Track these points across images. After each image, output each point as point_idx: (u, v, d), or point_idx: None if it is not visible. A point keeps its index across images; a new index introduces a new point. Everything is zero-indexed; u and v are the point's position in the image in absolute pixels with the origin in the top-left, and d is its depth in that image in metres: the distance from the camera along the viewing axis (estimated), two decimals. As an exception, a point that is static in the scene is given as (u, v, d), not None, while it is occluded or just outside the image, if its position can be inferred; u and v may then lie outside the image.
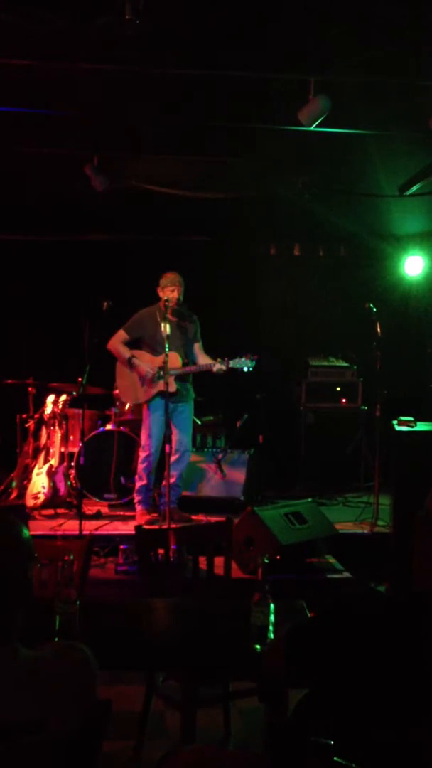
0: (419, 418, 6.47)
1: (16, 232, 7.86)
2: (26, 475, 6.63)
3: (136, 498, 6.28)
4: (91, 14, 3.85)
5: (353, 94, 4.90)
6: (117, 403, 6.87)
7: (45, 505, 6.41)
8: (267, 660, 2.16)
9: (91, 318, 5.79)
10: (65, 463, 6.69)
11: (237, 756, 2.19)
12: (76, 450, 6.75)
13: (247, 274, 8.31)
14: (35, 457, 6.69)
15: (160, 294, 6.07)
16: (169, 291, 6.02)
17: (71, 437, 6.93)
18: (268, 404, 7.56)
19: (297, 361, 7.95)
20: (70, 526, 5.89)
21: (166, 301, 5.97)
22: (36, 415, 6.81)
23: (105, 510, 6.56)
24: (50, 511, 6.41)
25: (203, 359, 6.18)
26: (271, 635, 2.42)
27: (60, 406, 6.69)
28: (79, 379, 6.00)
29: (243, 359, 5.88)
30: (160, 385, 5.98)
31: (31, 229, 7.87)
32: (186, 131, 5.62)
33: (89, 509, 6.34)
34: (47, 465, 6.54)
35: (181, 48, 4.42)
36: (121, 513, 6.50)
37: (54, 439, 6.68)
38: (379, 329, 6.35)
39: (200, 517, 6.19)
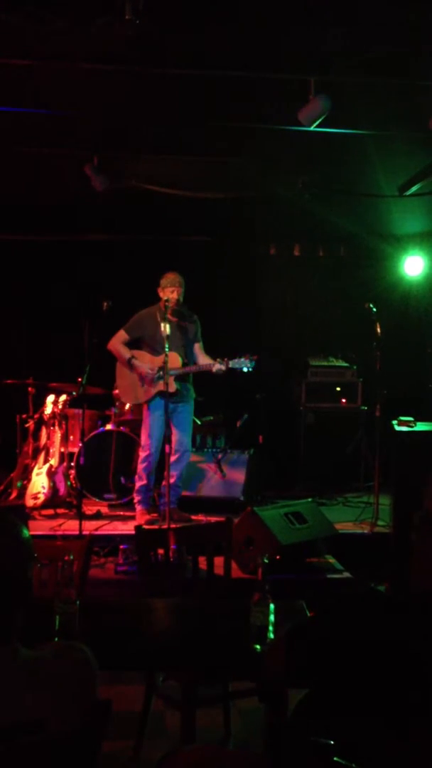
0: (419, 418, 6.47)
1: (16, 232, 7.86)
2: (26, 475, 6.63)
3: (136, 498, 6.28)
4: (91, 14, 3.85)
5: (353, 94, 4.90)
6: (117, 403, 6.87)
7: (45, 505, 6.41)
8: (267, 660, 2.16)
9: (91, 318, 5.79)
10: (65, 463, 6.69)
11: (237, 756, 2.19)
12: (75, 450, 6.75)
13: (247, 274, 8.31)
14: (35, 457, 6.69)
15: (161, 294, 6.07)
16: (169, 291, 6.02)
17: (71, 437, 6.93)
18: (268, 404, 7.56)
19: (297, 361, 7.95)
20: (70, 526, 5.89)
21: (166, 301, 5.97)
22: (36, 415, 6.81)
23: (105, 510, 6.56)
24: (50, 511, 6.41)
25: (203, 359, 6.18)
26: (271, 635, 2.42)
27: (60, 406, 6.69)
28: (79, 379, 6.00)
29: (242, 359, 5.89)
30: (160, 385, 5.97)
31: (31, 229, 7.88)
32: (186, 131, 5.62)
33: (89, 509, 6.34)
34: (47, 465, 6.54)
35: (181, 48, 4.42)
36: (121, 513, 6.50)
37: (54, 439, 6.68)
38: (378, 329, 6.35)
39: (200, 517, 6.19)
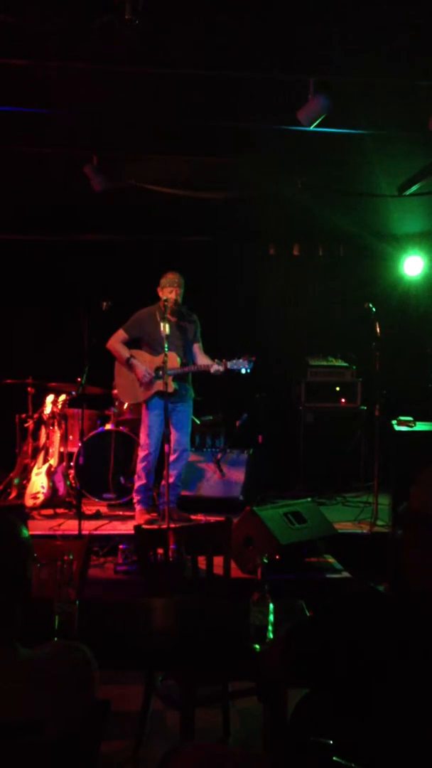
0: (418, 418, 6.48)
1: (16, 232, 7.86)
2: (25, 475, 6.63)
3: (136, 498, 6.28)
4: (91, 14, 3.85)
5: (353, 94, 4.90)
6: (116, 403, 6.87)
7: (44, 504, 6.41)
8: (266, 659, 2.16)
9: (91, 318, 5.79)
10: (64, 463, 6.69)
11: (239, 753, 2.19)
12: (75, 450, 6.76)
13: (247, 274, 8.32)
14: (34, 456, 6.69)
15: (160, 294, 6.07)
16: (168, 291, 6.02)
17: (70, 437, 6.93)
18: (267, 404, 7.57)
19: (296, 361, 7.95)
20: (70, 526, 5.90)
21: (165, 301, 5.97)
22: (35, 415, 6.81)
23: (104, 510, 6.56)
24: (49, 511, 6.41)
25: (202, 360, 6.18)
26: (271, 635, 2.42)
27: (59, 406, 6.69)
28: (79, 379, 6.01)
29: (241, 360, 5.89)
30: (159, 385, 5.98)
31: (31, 229, 7.88)
32: (186, 131, 5.62)
33: (88, 509, 6.34)
34: (46, 465, 6.54)
35: (181, 48, 4.42)
36: (121, 513, 6.50)
37: (53, 439, 6.68)
38: (378, 329, 6.35)
39: (199, 517, 6.20)
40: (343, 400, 7.70)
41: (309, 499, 5.68)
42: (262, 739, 2.76)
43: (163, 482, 5.82)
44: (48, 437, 6.69)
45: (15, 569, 1.74)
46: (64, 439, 6.76)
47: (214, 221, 7.67)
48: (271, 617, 2.44)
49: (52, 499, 6.45)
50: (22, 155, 6.07)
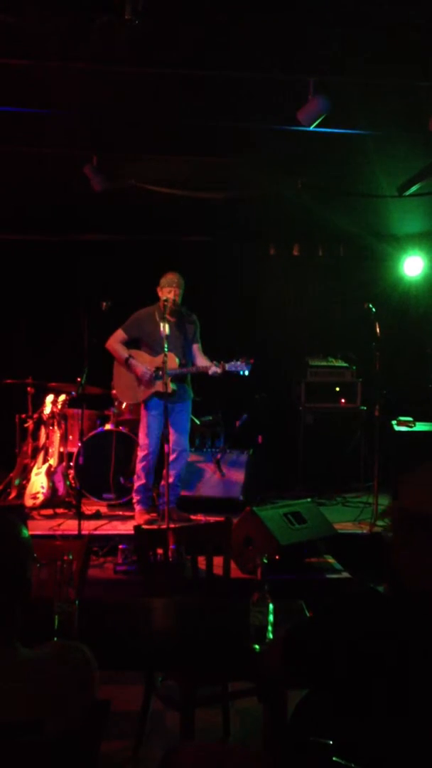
0: (418, 418, 6.49)
1: (16, 232, 7.86)
2: (25, 475, 6.63)
3: (135, 498, 6.28)
4: (91, 14, 3.85)
5: (353, 95, 4.90)
6: (116, 403, 6.87)
7: (44, 505, 6.41)
8: (266, 660, 2.16)
9: (91, 318, 5.79)
10: (64, 463, 6.69)
11: (239, 752, 2.19)
12: (75, 450, 6.75)
13: (247, 274, 8.32)
14: (34, 457, 6.69)
15: (159, 294, 6.07)
16: (167, 291, 6.02)
17: (70, 437, 6.93)
18: (267, 404, 7.57)
19: (296, 361, 7.95)
20: (69, 526, 5.89)
21: (165, 301, 5.97)
22: (35, 415, 6.81)
23: (104, 510, 6.56)
24: (49, 511, 6.41)
25: (201, 361, 6.17)
26: (270, 635, 2.42)
27: (59, 406, 6.69)
28: (78, 379, 6.00)
29: (239, 363, 5.88)
30: (158, 385, 5.98)
31: (31, 229, 7.88)
32: (186, 131, 5.62)
33: (88, 509, 6.34)
34: (46, 465, 6.54)
35: (181, 48, 4.42)
36: (120, 513, 6.50)
37: (53, 439, 6.68)
38: (378, 329, 6.35)
39: (199, 517, 6.19)
40: (343, 401, 7.70)
41: (309, 500, 5.68)
42: (262, 739, 2.75)
43: (163, 482, 5.82)
44: (48, 437, 6.69)
45: (15, 569, 1.74)
46: (64, 439, 6.76)
47: (214, 221, 7.67)
48: (271, 617, 2.44)
49: (52, 499, 6.45)
50: (22, 155, 6.07)
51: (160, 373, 5.82)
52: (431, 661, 1.67)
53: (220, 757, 2.10)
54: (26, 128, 5.58)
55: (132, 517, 6.24)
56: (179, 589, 3.49)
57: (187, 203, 6.84)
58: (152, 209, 7.20)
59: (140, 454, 6.24)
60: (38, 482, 6.46)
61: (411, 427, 6.86)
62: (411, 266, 8.09)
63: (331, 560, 5.45)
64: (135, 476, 6.30)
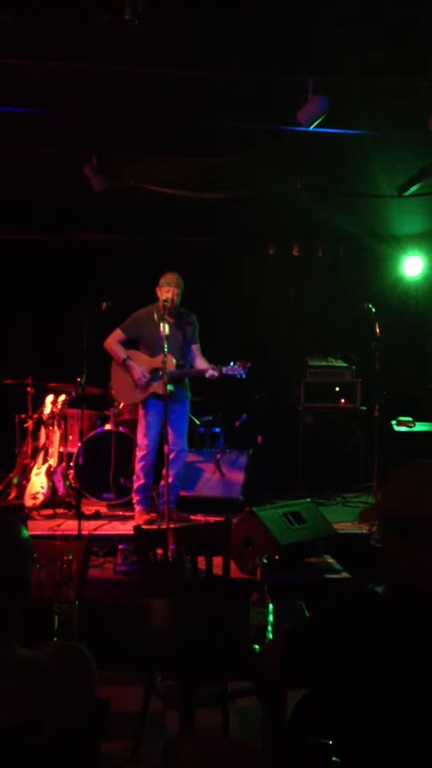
0: (418, 418, 6.49)
1: (16, 232, 7.86)
2: (25, 475, 6.63)
3: (135, 498, 6.28)
4: (91, 14, 3.85)
5: (352, 95, 4.90)
6: (116, 403, 6.87)
7: (44, 505, 6.41)
8: (265, 660, 2.16)
9: (91, 318, 5.79)
10: (64, 463, 6.69)
11: (241, 746, 2.19)
12: (74, 450, 6.75)
13: (247, 275, 8.32)
14: (34, 457, 6.69)
15: (158, 294, 6.06)
16: (165, 291, 6.01)
17: (70, 437, 6.93)
18: (267, 404, 7.57)
19: (296, 362, 7.95)
20: (69, 526, 5.89)
21: (165, 301, 5.96)
22: (35, 415, 6.81)
23: (104, 510, 6.56)
24: (49, 511, 6.41)
25: (199, 362, 6.17)
26: (270, 635, 2.42)
27: (59, 406, 6.69)
28: (78, 379, 6.00)
29: (236, 366, 5.88)
30: (155, 387, 5.98)
31: (32, 229, 7.88)
32: (186, 131, 5.62)
33: (88, 509, 6.34)
34: (46, 465, 6.54)
35: (181, 48, 4.42)
36: (120, 513, 6.50)
37: (53, 439, 6.68)
38: (378, 329, 6.35)
39: (199, 517, 6.19)
40: (342, 401, 7.70)
41: (308, 500, 5.68)
42: (262, 739, 2.75)
43: (162, 482, 5.82)
44: (47, 437, 6.69)
45: (14, 570, 1.74)
46: (64, 440, 6.76)
47: (214, 221, 7.67)
48: (271, 617, 2.44)
49: (52, 500, 6.45)
50: (22, 155, 6.07)
51: (160, 373, 5.81)
52: (430, 661, 1.67)
53: (220, 751, 2.10)
54: (26, 128, 5.58)
55: (132, 518, 6.24)
56: (179, 589, 3.49)
57: (187, 203, 6.84)
58: (152, 209, 7.20)
59: (139, 454, 6.24)
60: (38, 482, 6.46)
61: (411, 427, 6.87)
62: (410, 266, 8.09)
63: (330, 560, 5.45)
64: (134, 476, 6.30)
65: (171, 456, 6.02)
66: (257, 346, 8.05)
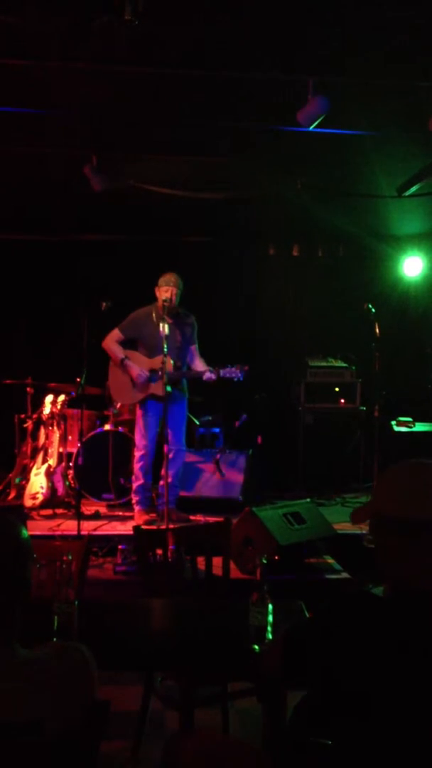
0: (418, 418, 6.49)
1: (16, 232, 7.86)
2: (25, 476, 6.63)
3: (134, 498, 6.28)
4: (91, 14, 3.85)
5: (352, 95, 4.90)
6: (115, 404, 6.87)
7: (43, 505, 6.41)
8: (265, 660, 2.16)
9: (91, 318, 5.79)
10: (63, 464, 6.69)
11: (241, 746, 2.19)
12: (74, 450, 6.75)
13: (246, 275, 8.32)
14: (33, 457, 6.69)
15: (157, 293, 6.05)
16: (164, 291, 6.00)
17: (69, 437, 6.93)
18: (266, 405, 7.56)
19: (296, 362, 7.95)
20: (69, 527, 5.89)
21: (165, 301, 5.96)
22: (34, 416, 6.81)
23: (103, 510, 6.56)
24: (49, 512, 6.41)
25: (197, 364, 6.17)
26: (270, 636, 2.42)
27: (58, 407, 6.69)
28: (78, 380, 6.00)
29: (233, 369, 5.88)
30: (153, 387, 5.98)
31: (32, 229, 7.88)
32: (186, 131, 5.62)
33: (88, 509, 6.34)
34: (45, 465, 6.54)
35: (181, 48, 4.42)
36: (120, 513, 6.50)
37: (52, 440, 6.68)
38: (377, 330, 6.35)
39: (198, 518, 6.19)
40: (342, 401, 7.70)
41: (308, 500, 5.68)
42: (262, 739, 2.75)
43: (162, 482, 5.82)
44: (47, 437, 6.69)
45: (14, 570, 1.74)
46: (63, 440, 6.76)
47: (214, 221, 7.67)
48: (271, 618, 2.44)
49: (52, 500, 6.45)
50: (22, 155, 6.07)
51: (160, 373, 5.81)
52: (430, 661, 1.67)
53: (221, 750, 2.10)
54: (26, 128, 5.58)
55: (131, 518, 6.24)
56: (179, 589, 3.49)
57: (187, 203, 6.84)
58: (152, 209, 7.20)
59: (137, 454, 6.24)
60: (37, 482, 6.46)
61: (410, 427, 6.87)
62: (410, 266, 8.09)
63: (330, 561, 5.44)
64: (133, 477, 6.30)
65: (170, 455, 6.02)
66: (257, 346, 8.05)
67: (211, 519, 5.71)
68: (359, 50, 4.42)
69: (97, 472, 6.70)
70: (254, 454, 6.90)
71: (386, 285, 8.15)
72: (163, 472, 5.92)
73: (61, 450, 6.70)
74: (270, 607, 2.44)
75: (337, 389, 7.71)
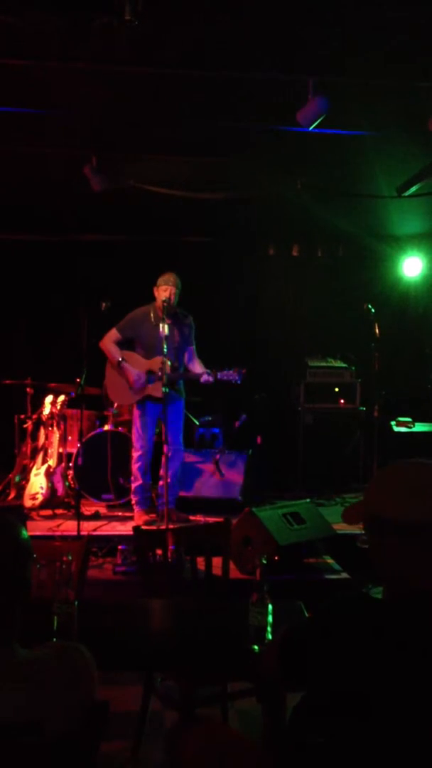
0: (417, 418, 6.49)
1: (16, 232, 7.86)
2: (24, 476, 6.63)
3: (134, 499, 6.28)
4: (91, 14, 3.85)
5: (352, 95, 4.90)
6: (115, 404, 6.87)
7: (43, 505, 6.41)
8: (265, 660, 2.16)
9: (90, 318, 5.79)
10: (63, 464, 6.68)
11: (242, 741, 2.19)
12: (74, 450, 6.75)
13: (246, 275, 8.32)
14: (33, 457, 6.69)
15: (156, 294, 6.03)
16: (163, 290, 5.99)
17: (69, 438, 6.93)
18: (266, 405, 7.56)
19: (296, 362, 7.95)
20: (69, 527, 5.88)
21: (164, 301, 5.95)
22: (34, 416, 6.81)
23: (103, 510, 6.55)
24: (48, 512, 6.41)
25: (195, 365, 6.16)
26: (269, 636, 2.42)
27: (58, 407, 6.69)
28: (78, 380, 6.00)
29: (231, 372, 5.88)
30: (149, 389, 5.97)
31: (32, 229, 7.88)
32: (186, 131, 5.62)
33: (87, 510, 6.34)
34: (45, 465, 6.54)
35: (181, 48, 4.42)
36: (120, 513, 6.50)
37: (52, 440, 6.68)
38: (377, 330, 6.35)
39: (198, 518, 6.19)
40: (342, 401, 7.70)
41: (308, 500, 5.68)
42: (261, 739, 2.75)
43: (161, 483, 5.81)
44: (47, 438, 6.69)
45: (14, 570, 1.74)
46: (63, 440, 6.76)
47: (214, 221, 7.68)
48: (270, 618, 2.44)
49: (51, 500, 6.45)
50: (22, 155, 6.07)
51: (159, 374, 5.80)
52: (429, 662, 1.67)
53: (223, 743, 2.10)
54: (26, 128, 5.58)
55: (131, 518, 6.23)
56: (178, 589, 3.49)
57: (187, 204, 6.84)
58: (152, 209, 7.20)
59: (135, 455, 6.24)
60: (37, 483, 6.46)
61: (410, 427, 6.87)
62: (410, 267, 8.10)
63: (330, 561, 5.44)
64: (132, 477, 6.30)
65: (168, 455, 6.01)
66: (257, 346, 8.05)
67: (211, 519, 5.71)
68: (359, 50, 4.42)
69: (96, 472, 6.69)
70: (254, 454, 6.90)
71: (386, 285, 8.15)
72: (162, 472, 5.91)
73: (60, 450, 6.69)
74: (270, 607, 2.44)
75: (336, 389, 7.71)
